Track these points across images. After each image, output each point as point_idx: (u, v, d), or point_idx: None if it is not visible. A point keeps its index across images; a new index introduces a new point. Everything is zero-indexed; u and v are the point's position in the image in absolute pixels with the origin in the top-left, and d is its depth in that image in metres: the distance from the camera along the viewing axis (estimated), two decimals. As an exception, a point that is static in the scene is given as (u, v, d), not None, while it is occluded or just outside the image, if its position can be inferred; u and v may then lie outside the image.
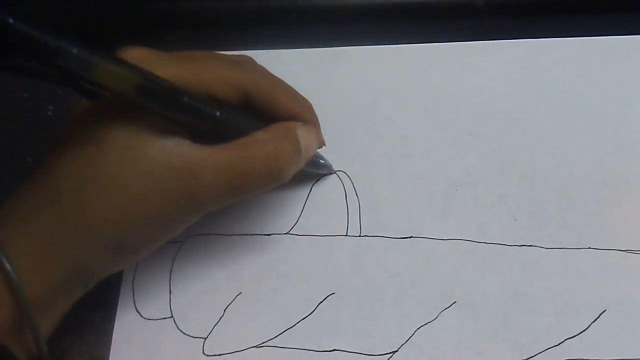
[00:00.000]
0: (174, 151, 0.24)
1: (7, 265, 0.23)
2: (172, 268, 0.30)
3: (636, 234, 0.29)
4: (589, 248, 0.29)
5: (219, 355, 0.28)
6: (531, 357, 0.27)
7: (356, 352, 0.27)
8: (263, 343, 0.28)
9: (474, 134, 0.32)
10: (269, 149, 0.25)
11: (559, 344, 0.27)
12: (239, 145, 0.25)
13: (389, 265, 0.29)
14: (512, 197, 0.30)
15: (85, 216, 0.24)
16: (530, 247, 0.29)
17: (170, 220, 0.25)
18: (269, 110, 0.27)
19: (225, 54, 0.28)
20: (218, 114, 0.25)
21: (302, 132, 0.27)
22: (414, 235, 0.30)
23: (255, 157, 0.25)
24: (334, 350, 0.27)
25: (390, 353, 0.27)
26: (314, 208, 0.31)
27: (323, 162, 0.31)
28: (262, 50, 0.35)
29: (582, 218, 0.30)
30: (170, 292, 0.29)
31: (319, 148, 0.30)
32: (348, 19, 0.35)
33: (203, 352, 0.28)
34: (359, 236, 0.30)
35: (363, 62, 0.34)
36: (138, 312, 0.29)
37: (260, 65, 0.28)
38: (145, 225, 0.24)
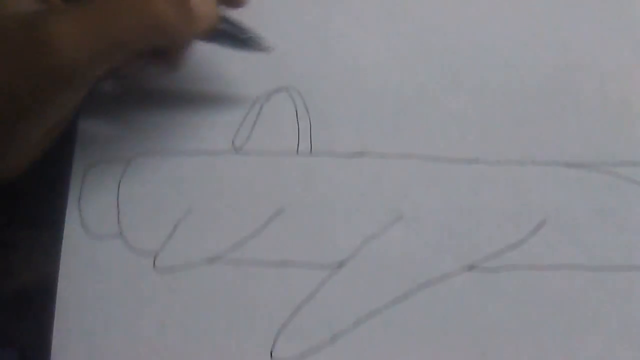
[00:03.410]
0: None
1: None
2: (119, 187, 0.29)
3: (578, 148, 0.30)
4: (533, 162, 0.30)
5: (170, 269, 0.28)
6: (472, 265, 0.28)
7: (305, 264, 0.28)
8: (214, 257, 0.28)
9: (425, 48, 0.32)
10: None
11: (499, 253, 0.28)
12: None
13: (339, 182, 0.30)
14: (460, 112, 0.31)
15: None
16: (477, 162, 0.30)
17: None
18: None
19: None
20: None
21: None
22: (364, 152, 0.30)
23: None
24: (284, 262, 0.28)
25: (337, 264, 0.28)
26: (264, 126, 0.31)
27: (248, 34, 0.28)
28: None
29: (528, 133, 0.30)
30: (118, 210, 0.29)
31: (235, 6, 0.28)
32: None
33: (154, 267, 0.28)
34: (310, 154, 0.30)
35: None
36: (85, 229, 0.29)
37: None
38: None
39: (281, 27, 0.32)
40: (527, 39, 0.32)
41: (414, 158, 0.30)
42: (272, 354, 0.26)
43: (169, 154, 0.30)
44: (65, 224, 0.29)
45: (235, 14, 0.29)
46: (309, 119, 0.31)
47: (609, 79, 0.31)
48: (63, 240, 0.28)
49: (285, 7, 0.32)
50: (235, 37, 0.28)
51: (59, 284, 0.27)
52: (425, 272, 0.28)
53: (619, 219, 0.28)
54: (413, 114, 0.31)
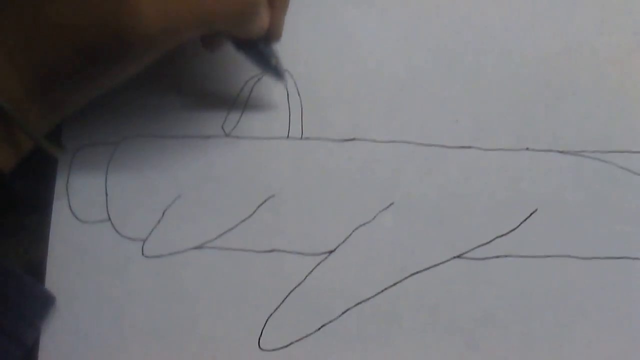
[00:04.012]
0: None
1: None
2: (107, 171, 0.29)
3: (575, 135, 0.29)
4: (527, 149, 0.29)
5: (159, 256, 0.28)
6: (463, 254, 0.28)
7: (295, 252, 0.28)
8: (203, 244, 0.28)
9: (421, 32, 0.31)
10: None
11: (490, 242, 0.28)
12: None
13: (330, 167, 0.29)
14: (455, 98, 0.30)
15: (43, 18, 0.23)
16: (470, 149, 0.29)
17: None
18: None
19: None
20: None
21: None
22: (356, 138, 0.30)
23: None
24: (273, 250, 0.28)
25: (327, 253, 0.28)
26: (255, 109, 0.30)
27: (276, 62, 0.28)
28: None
29: (522, 119, 0.30)
30: (106, 195, 0.29)
31: (273, 40, 0.28)
32: None
33: (142, 254, 0.28)
34: (301, 139, 0.30)
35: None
36: (74, 215, 0.28)
37: None
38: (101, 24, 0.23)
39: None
40: (523, 23, 0.31)
41: (406, 144, 0.29)
42: (260, 344, 0.26)
43: (157, 138, 0.30)
44: (53, 209, 0.28)
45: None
46: (301, 102, 0.30)
47: (605, 66, 0.30)
48: (51, 225, 0.28)
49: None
50: (266, 58, 0.28)
51: (47, 269, 0.27)
52: (416, 260, 0.27)
53: (612, 208, 0.28)
54: (406, 100, 0.30)
